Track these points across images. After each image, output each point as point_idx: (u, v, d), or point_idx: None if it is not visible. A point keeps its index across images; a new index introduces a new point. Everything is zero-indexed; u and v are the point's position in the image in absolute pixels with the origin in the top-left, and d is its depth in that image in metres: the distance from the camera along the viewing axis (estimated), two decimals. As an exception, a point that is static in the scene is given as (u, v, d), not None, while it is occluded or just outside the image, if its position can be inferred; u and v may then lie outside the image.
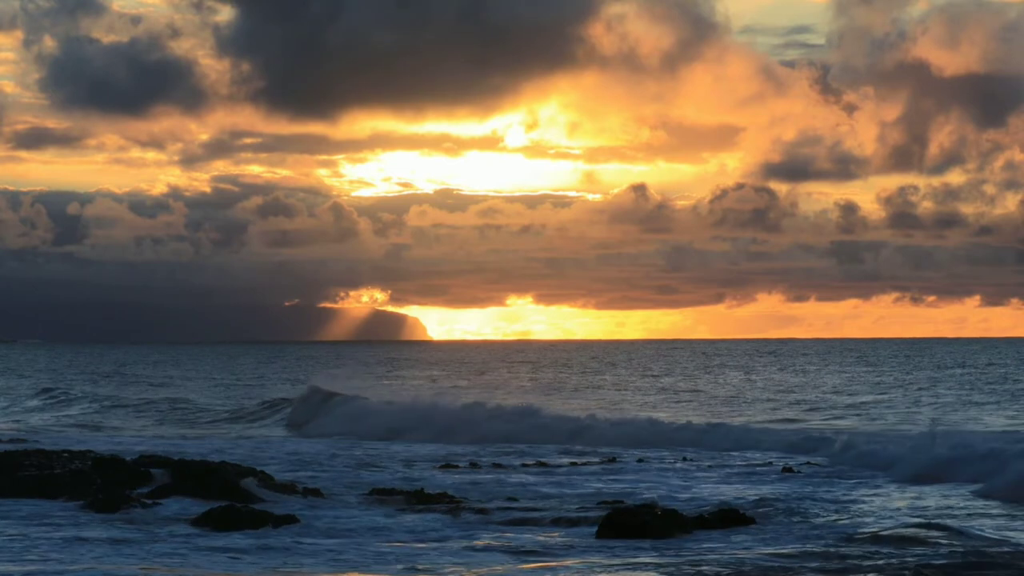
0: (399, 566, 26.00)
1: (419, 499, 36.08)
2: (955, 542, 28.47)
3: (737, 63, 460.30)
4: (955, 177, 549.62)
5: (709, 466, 47.70)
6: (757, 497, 37.23)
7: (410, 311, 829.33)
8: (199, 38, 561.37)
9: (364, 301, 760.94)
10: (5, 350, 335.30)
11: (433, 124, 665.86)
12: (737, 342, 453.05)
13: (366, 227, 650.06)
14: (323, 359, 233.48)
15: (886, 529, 30.54)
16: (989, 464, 40.08)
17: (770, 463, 48.09)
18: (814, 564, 26.24)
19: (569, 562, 26.40)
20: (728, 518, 32.69)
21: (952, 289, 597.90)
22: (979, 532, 30.13)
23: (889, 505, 35.55)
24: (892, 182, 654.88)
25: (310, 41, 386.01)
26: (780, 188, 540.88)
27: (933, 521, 31.51)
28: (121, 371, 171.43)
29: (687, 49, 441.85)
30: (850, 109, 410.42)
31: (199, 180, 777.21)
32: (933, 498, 36.93)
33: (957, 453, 43.31)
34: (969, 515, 33.31)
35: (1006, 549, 27.72)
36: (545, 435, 61.70)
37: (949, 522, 31.39)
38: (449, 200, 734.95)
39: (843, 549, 27.93)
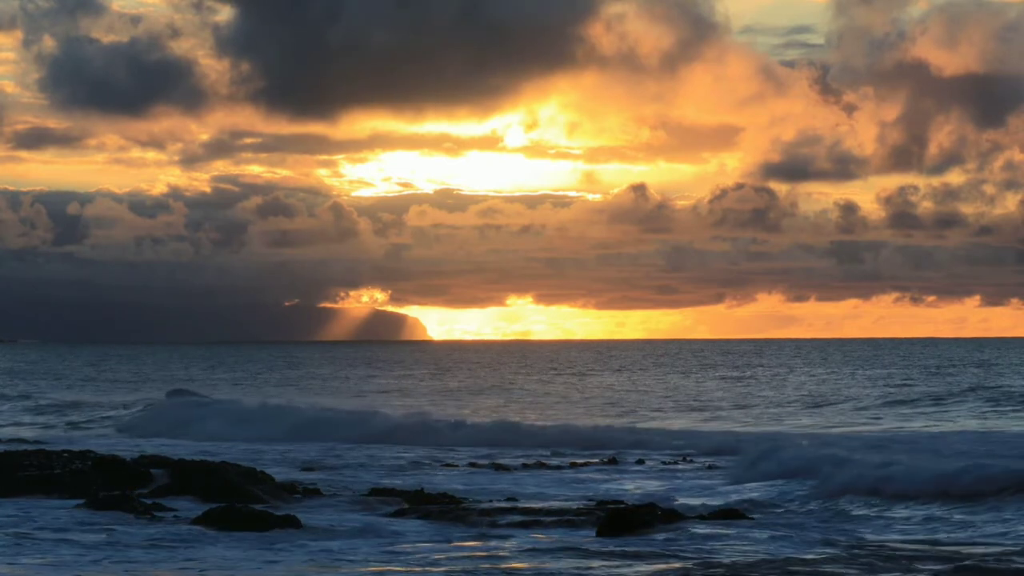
0: (399, 566, 26.01)
1: (419, 499, 36.08)
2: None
3: (737, 63, 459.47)
4: (955, 177, 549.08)
5: (711, 466, 47.75)
6: (753, 496, 37.35)
7: (410, 311, 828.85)
8: (199, 38, 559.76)
9: (364, 301, 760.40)
10: (3, 350, 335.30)
11: (433, 124, 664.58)
12: (737, 342, 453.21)
13: (366, 227, 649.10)
14: (291, 360, 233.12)
15: (887, 533, 30.64)
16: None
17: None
18: (819, 562, 26.32)
19: (570, 562, 26.42)
20: (728, 517, 32.76)
21: (952, 289, 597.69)
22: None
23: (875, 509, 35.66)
24: (892, 182, 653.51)
25: (310, 41, 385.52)
26: (780, 188, 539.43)
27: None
28: (64, 373, 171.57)
29: (687, 49, 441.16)
30: (850, 109, 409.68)
31: (199, 180, 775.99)
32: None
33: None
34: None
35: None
36: (365, 435, 62.48)
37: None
38: (449, 200, 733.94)
39: (844, 548, 28.03)
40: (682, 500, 37.02)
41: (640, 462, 49.87)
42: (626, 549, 28.04)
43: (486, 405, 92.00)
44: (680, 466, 48.36)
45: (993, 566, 25.81)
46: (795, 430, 65.27)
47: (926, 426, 68.24)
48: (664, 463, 49.55)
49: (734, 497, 37.59)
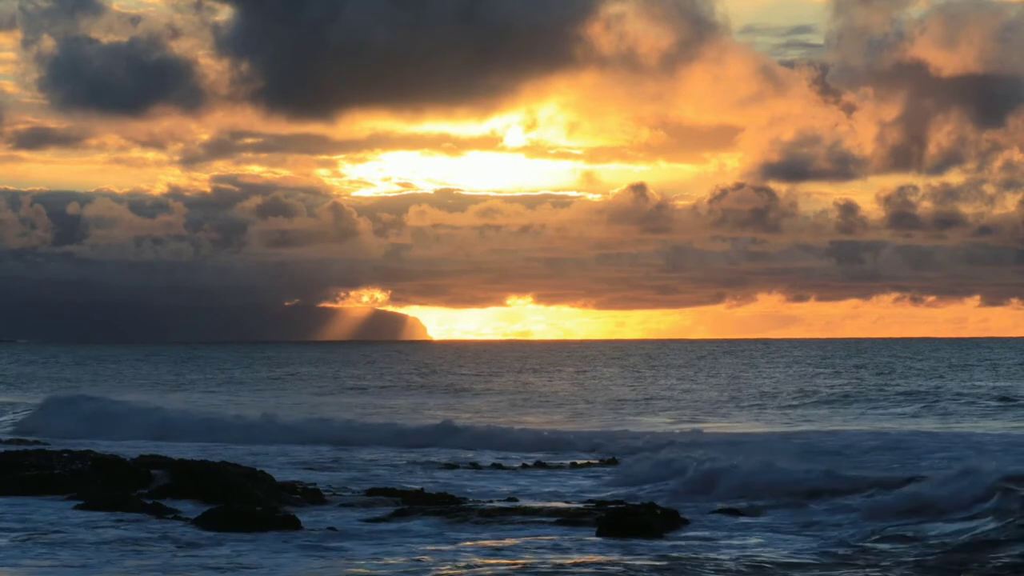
0: (400, 566, 26.02)
1: (419, 499, 36.09)
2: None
3: (737, 63, 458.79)
4: (954, 177, 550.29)
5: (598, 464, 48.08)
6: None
7: (410, 311, 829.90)
8: (199, 38, 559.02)
9: (364, 301, 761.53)
10: (1, 349, 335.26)
11: (432, 124, 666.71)
12: (737, 342, 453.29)
13: (366, 227, 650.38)
14: (281, 360, 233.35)
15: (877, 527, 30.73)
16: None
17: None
18: (822, 561, 26.37)
19: (570, 561, 26.44)
20: (727, 515, 32.81)
21: (952, 289, 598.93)
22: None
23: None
24: (891, 182, 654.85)
25: (310, 41, 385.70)
26: (779, 188, 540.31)
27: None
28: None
29: (686, 49, 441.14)
30: (849, 109, 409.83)
31: (199, 180, 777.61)
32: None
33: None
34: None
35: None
36: (228, 435, 63.11)
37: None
38: (449, 200, 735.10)
39: (843, 547, 28.09)
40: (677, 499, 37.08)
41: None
42: (627, 549, 28.07)
43: (409, 403, 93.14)
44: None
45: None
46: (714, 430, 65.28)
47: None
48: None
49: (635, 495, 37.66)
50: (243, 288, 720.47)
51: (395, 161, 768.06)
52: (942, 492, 33.18)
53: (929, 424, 70.50)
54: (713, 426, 68.83)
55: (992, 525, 29.85)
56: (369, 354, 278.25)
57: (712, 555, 27.38)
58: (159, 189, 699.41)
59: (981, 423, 71.27)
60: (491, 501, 36.79)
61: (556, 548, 28.23)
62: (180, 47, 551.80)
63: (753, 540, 29.69)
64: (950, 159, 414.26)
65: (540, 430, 64.68)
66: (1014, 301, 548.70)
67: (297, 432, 62.97)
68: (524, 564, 26.14)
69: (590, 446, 57.13)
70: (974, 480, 33.32)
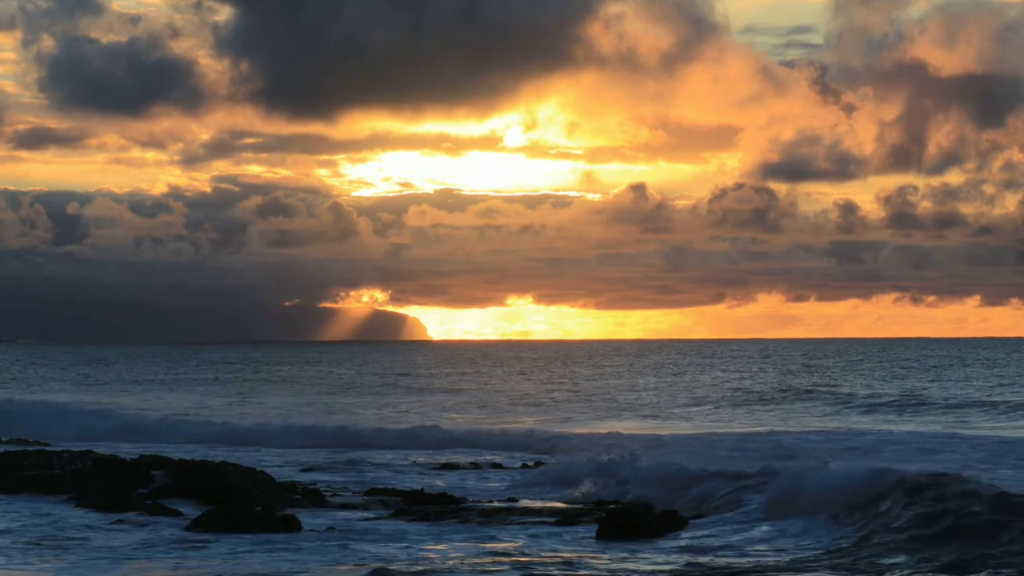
0: (400, 568, 26.00)
1: (419, 499, 36.07)
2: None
3: (736, 63, 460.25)
4: (954, 177, 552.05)
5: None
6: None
7: (410, 311, 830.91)
8: (199, 38, 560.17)
9: (364, 301, 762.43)
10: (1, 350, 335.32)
11: (432, 124, 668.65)
12: (736, 342, 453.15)
13: (366, 227, 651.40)
14: (270, 360, 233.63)
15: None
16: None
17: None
18: (821, 560, 26.37)
19: (570, 560, 26.44)
20: (725, 514, 32.76)
21: (952, 289, 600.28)
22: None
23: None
24: (891, 182, 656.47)
25: (309, 41, 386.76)
26: (779, 188, 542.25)
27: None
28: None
29: (686, 49, 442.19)
30: (849, 109, 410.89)
31: (199, 180, 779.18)
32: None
33: None
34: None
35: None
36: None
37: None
38: (449, 200, 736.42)
39: (850, 545, 28.08)
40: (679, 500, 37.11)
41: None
42: (626, 549, 28.06)
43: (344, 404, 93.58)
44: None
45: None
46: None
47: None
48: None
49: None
50: (243, 288, 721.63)
51: (395, 161, 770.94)
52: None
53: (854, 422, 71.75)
54: (648, 428, 69.64)
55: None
56: (365, 354, 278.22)
57: (714, 557, 27.37)
58: (159, 189, 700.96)
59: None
60: (491, 501, 36.78)
61: (556, 548, 28.22)
62: (180, 47, 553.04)
63: (756, 540, 29.66)
64: (950, 159, 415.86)
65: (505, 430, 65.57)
66: (1014, 301, 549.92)
67: (251, 434, 63.12)
68: (524, 564, 26.14)
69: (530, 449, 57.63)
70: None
